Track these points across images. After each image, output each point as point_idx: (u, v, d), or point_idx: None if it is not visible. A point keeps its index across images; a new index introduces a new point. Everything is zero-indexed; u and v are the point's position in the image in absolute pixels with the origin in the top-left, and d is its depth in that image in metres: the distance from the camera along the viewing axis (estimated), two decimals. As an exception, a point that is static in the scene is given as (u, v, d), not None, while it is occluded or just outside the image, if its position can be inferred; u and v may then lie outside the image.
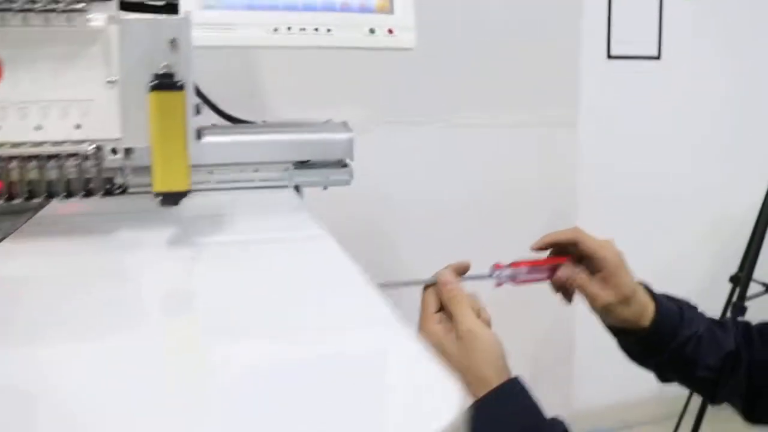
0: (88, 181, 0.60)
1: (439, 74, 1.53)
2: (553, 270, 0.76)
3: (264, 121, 0.97)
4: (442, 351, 0.68)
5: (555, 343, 1.77)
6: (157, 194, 0.55)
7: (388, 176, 1.53)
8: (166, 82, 0.53)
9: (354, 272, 0.51)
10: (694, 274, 1.99)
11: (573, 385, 1.83)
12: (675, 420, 1.78)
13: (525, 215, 1.64)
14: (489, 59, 1.57)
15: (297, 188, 0.91)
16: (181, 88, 0.53)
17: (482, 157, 1.59)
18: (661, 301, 0.76)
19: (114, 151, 0.58)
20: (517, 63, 1.58)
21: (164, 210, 0.63)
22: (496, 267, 0.75)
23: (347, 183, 0.92)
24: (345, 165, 0.92)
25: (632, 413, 1.86)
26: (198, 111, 0.55)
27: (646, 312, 0.75)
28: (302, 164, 0.90)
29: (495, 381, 0.65)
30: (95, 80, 0.56)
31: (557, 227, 1.67)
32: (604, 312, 0.76)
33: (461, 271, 0.73)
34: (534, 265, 0.76)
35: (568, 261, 0.76)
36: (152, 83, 0.53)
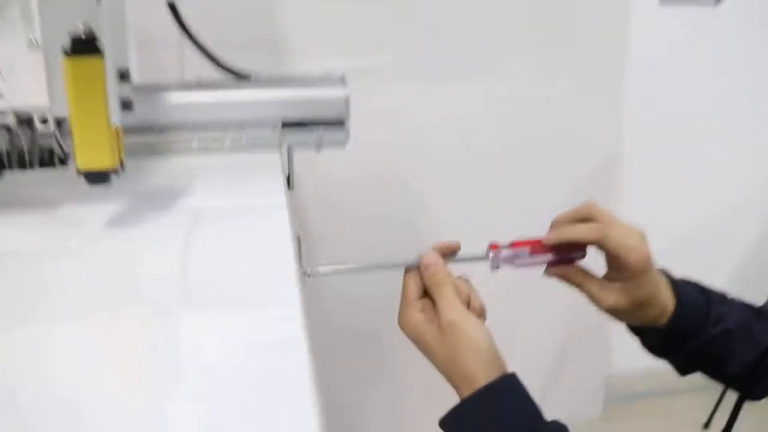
0: (21, 152, 0.54)
1: (475, 20, 1.41)
2: (562, 251, 0.67)
3: (256, 74, 0.90)
4: (422, 343, 0.61)
5: (591, 306, 1.68)
6: (80, 173, 0.49)
7: (421, 128, 1.44)
8: (82, 46, 0.46)
9: (285, 250, 0.48)
10: (746, 235, 1.84)
11: (610, 348, 1.74)
12: (717, 390, 1.68)
13: (568, 171, 1.53)
14: (529, 4, 1.44)
15: (289, 150, 0.84)
16: (99, 52, 0.46)
17: (521, 110, 1.47)
18: (683, 300, 0.67)
19: (44, 120, 0.52)
20: (560, 8, 1.44)
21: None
22: (492, 248, 0.66)
23: (343, 145, 0.84)
24: (342, 124, 0.84)
25: (672, 380, 1.76)
26: (124, 77, 0.48)
27: (664, 312, 0.66)
28: (295, 124, 0.83)
29: (482, 378, 0.57)
30: (15, 42, 0.50)
31: (601, 184, 1.57)
32: (611, 313, 0.67)
33: (449, 251, 0.65)
34: (538, 246, 0.66)
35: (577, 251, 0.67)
36: (66, 47, 0.46)
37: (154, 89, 0.80)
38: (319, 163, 1.34)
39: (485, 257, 0.66)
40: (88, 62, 0.46)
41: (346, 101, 0.82)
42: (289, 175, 0.83)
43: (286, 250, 0.48)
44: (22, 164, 0.54)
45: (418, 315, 0.61)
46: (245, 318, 0.41)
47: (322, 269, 0.62)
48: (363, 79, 1.37)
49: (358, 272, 0.64)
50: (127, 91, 0.48)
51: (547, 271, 0.68)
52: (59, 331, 0.38)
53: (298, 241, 0.59)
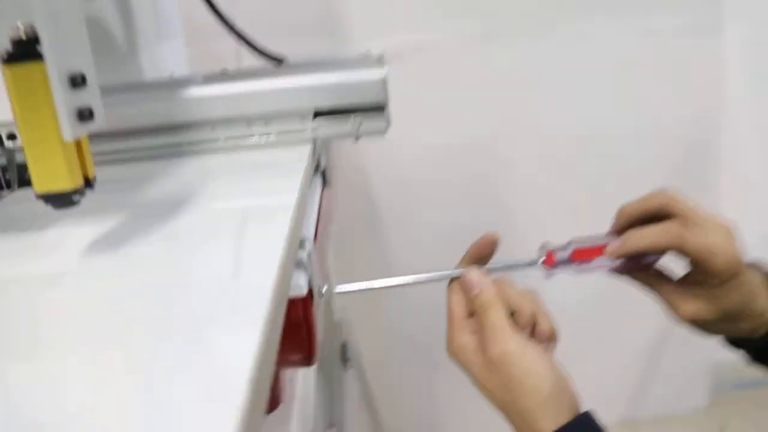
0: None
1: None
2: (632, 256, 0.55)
3: (284, 61, 0.82)
4: (471, 375, 0.51)
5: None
6: (39, 197, 0.42)
7: (495, 97, 1.32)
8: (18, 51, 0.39)
9: (271, 261, 0.40)
10: None
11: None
12: None
13: (656, 148, 1.36)
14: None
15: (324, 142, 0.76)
16: (38, 57, 0.39)
17: (602, 77, 1.32)
18: None
19: (12, 136, 0.46)
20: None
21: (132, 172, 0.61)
22: (548, 258, 0.55)
23: (382, 133, 0.75)
24: (381, 109, 0.75)
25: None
26: (78, 82, 0.40)
27: (763, 321, 0.53)
28: (328, 112, 0.74)
29: (546, 422, 0.47)
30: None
31: (695, 160, 1.39)
32: (694, 325, 0.54)
33: (487, 250, 0.55)
34: (602, 249, 0.55)
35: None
36: (3, 53, 0.40)
37: (173, 85, 0.73)
38: (387, 146, 1.25)
39: (534, 262, 0.55)
40: (27, 69, 0.39)
41: (384, 83, 0.73)
42: (324, 169, 0.75)
43: (271, 263, 0.40)
44: (0, 185, 0.49)
45: (466, 339, 0.52)
46: (193, 345, 0.34)
47: (344, 287, 0.54)
48: (426, 54, 1.27)
49: (392, 287, 0.55)
50: (84, 98, 0.41)
51: (613, 272, 0.56)
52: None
53: (309, 254, 0.50)
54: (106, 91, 0.75)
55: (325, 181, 0.75)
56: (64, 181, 0.41)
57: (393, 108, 1.26)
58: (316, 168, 0.74)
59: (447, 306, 0.54)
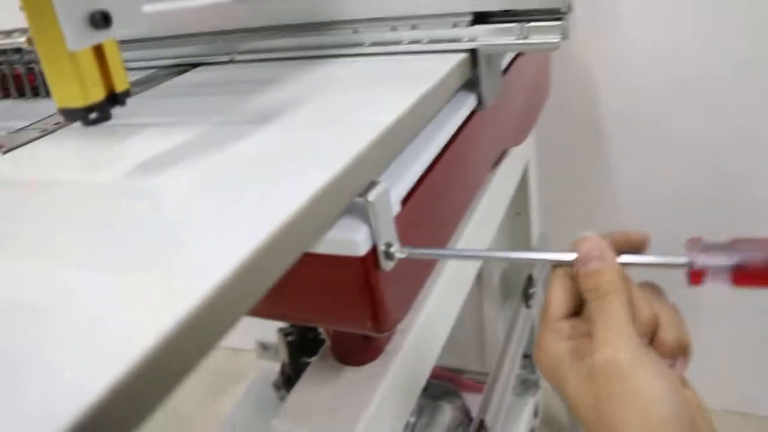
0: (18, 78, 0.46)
1: None
2: None
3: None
4: (561, 389, 0.38)
5: None
6: (61, 112, 0.38)
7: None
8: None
9: (309, 186, 0.34)
10: None
11: None
12: None
13: None
14: None
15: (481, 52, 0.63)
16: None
17: None
18: None
19: (29, 40, 0.43)
20: None
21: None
22: (701, 252, 0.37)
23: (554, 47, 0.59)
24: (558, 17, 0.59)
25: None
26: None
27: None
28: (489, 16, 0.61)
29: None
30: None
31: None
32: None
33: (625, 245, 0.40)
34: None
35: None
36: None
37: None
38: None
39: (687, 262, 0.38)
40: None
41: (563, -20, 0.57)
42: (480, 88, 0.62)
43: (311, 184, 0.35)
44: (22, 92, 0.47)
45: (558, 346, 0.39)
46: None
47: (411, 251, 0.43)
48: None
49: (475, 259, 0.44)
50: (97, 0, 0.35)
51: None
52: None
53: (373, 203, 0.40)
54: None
55: (481, 102, 0.62)
56: (75, 96, 0.37)
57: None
58: (470, 85, 0.62)
59: (546, 297, 0.41)
